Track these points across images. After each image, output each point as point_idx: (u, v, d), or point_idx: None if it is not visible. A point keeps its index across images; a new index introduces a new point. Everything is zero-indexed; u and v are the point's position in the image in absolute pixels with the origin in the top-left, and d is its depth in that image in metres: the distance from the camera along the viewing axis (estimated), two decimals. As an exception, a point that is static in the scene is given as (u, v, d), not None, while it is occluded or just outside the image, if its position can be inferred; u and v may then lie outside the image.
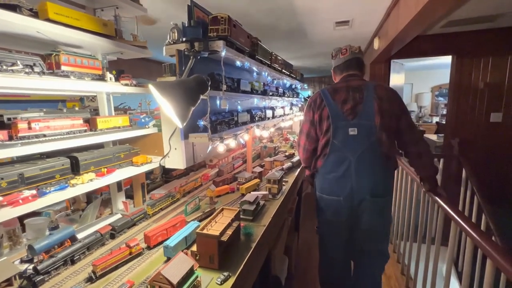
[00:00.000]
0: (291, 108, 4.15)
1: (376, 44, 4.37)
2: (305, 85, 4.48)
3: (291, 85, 4.08)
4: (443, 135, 6.80)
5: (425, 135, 7.09)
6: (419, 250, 2.50)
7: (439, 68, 8.34)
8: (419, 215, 2.43)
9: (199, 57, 1.55)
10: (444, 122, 8.37)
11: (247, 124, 2.27)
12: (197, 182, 2.19)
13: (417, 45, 4.75)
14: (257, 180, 2.16)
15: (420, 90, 9.01)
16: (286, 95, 3.65)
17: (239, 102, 2.07)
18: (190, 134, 1.64)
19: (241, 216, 1.63)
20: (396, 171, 2.84)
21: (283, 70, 3.13)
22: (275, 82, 3.11)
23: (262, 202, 1.83)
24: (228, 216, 1.39)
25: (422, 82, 8.89)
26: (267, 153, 3.09)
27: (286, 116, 3.74)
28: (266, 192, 1.96)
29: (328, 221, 1.79)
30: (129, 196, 1.97)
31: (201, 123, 1.61)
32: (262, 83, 2.65)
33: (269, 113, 2.89)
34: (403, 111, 1.66)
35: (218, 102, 1.83)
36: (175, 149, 1.65)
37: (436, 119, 8.71)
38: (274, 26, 3.74)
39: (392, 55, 4.82)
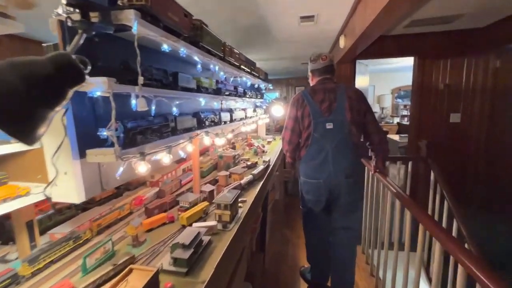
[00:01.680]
0: (254, 110, 3.66)
1: (342, 42, 4.03)
2: (270, 85, 4.02)
3: (253, 85, 3.58)
4: (406, 135, 6.79)
5: (388, 135, 7.02)
6: (387, 256, 2.25)
7: (399, 71, 8.40)
8: (389, 221, 2.30)
9: (94, 33, 0.98)
10: (405, 123, 8.49)
11: (192, 130, 1.72)
12: (123, 210, 1.58)
13: (381, 45, 4.53)
14: (204, 204, 1.62)
15: (381, 92, 9.04)
16: (247, 96, 3.14)
17: (177, 102, 1.51)
18: (89, 151, 1.06)
19: (171, 269, 1.08)
20: (366, 178, 2.83)
21: (242, 67, 2.62)
22: (231, 79, 2.58)
23: (206, 239, 1.30)
24: (136, 284, 0.83)
25: (383, 84, 8.92)
26: (224, 164, 2.55)
27: (249, 119, 3.23)
28: (214, 223, 1.42)
29: (312, 201, 2.10)
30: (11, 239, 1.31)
31: (104, 133, 1.03)
32: (214, 80, 2.11)
33: (225, 116, 2.35)
34: (368, 108, 2.00)
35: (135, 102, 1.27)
36: (65, 173, 1.05)
37: (397, 120, 8.78)
38: (231, 19, 3.22)
39: (357, 55, 4.55)
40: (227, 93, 2.39)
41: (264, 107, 4.22)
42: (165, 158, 1.35)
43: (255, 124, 3.36)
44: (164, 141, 1.39)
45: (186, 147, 1.59)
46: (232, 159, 2.56)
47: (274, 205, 4.38)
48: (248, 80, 2.88)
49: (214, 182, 2.16)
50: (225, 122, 2.33)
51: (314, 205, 2.10)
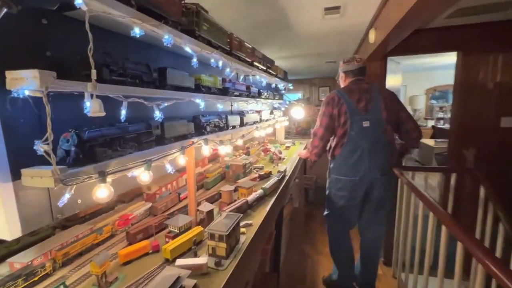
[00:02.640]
0: (271, 113, 3.30)
1: (371, 36, 3.54)
2: (290, 84, 3.63)
3: (270, 85, 3.23)
4: (442, 140, 6.05)
5: (422, 140, 6.31)
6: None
7: (434, 69, 7.60)
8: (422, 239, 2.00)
9: (20, 8, 0.69)
10: (441, 126, 7.65)
11: (187, 138, 1.40)
12: (102, 233, 1.30)
13: (418, 39, 3.96)
14: (197, 231, 1.29)
15: (414, 92, 8.25)
16: (263, 96, 2.79)
17: (165, 104, 1.20)
18: (24, 170, 0.77)
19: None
20: (397, 187, 2.50)
21: (256, 63, 2.27)
22: (241, 78, 2.24)
23: (189, 285, 0.97)
24: None
25: (416, 84, 8.13)
26: (233, 174, 2.22)
27: (264, 123, 2.88)
28: (204, 260, 1.09)
29: (346, 198, 2.04)
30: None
31: (37, 147, 0.74)
32: (219, 79, 1.79)
33: (234, 119, 2.02)
34: (401, 107, 2.06)
35: (123, 106, 0.97)
36: (-8, 200, 0.77)
37: (431, 123, 7.95)
38: (248, 13, 2.88)
39: (389, 52, 4.01)
40: (236, 93, 2.06)
41: (283, 108, 3.85)
42: (143, 175, 1.05)
43: (271, 127, 3.01)
44: (144, 153, 1.09)
45: (177, 159, 1.28)
46: (243, 168, 2.23)
47: (293, 215, 3.99)
48: (263, 79, 2.53)
49: (219, 196, 1.84)
50: (234, 127, 2.00)
51: (347, 203, 2.06)
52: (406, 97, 8.34)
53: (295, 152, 3.49)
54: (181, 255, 1.17)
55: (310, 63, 6.56)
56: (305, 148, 3.89)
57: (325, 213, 2.22)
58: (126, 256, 1.13)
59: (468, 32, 3.80)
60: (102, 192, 0.85)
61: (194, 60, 1.32)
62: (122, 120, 0.99)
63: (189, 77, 1.41)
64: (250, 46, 2.12)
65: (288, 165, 2.80)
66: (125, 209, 1.66)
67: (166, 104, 1.21)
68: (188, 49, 1.24)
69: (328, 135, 2.03)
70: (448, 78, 8.02)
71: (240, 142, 2.17)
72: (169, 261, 1.13)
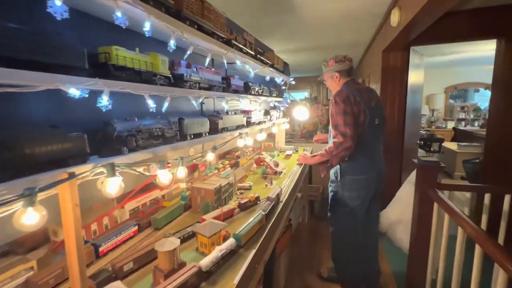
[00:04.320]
0: (267, 113, 2.55)
1: (394, 18, 2.73)
2: (291, 78, 2.87)
3: (264, 78, 2.47)
4: (466, 144, 5.17)
5: (443, 143, 5.43)
6: None
7: (455, 65, 6.67)
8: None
9: None
10: (462, 128, 6.70)
11: (63, 166, 0.68)
12: None
13: (448, 24, 3.13)
14: None
15: (431, 90, 7.31)
16: (252, 92, 2.05)
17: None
18: None
19: None
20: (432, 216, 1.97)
21: (235, 42, 1.53)
22: (206, 63, 1.48)
23: None
24: None
25: (434, 81, 7.17)
26: (201, 202, 1.49)
27: (255, 127, 2.14)
28: None
29: (362, 197, 1.97)
30: None
31: None
32: (166, 60, 1.06)
33: (196, 125, 1.29)
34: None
35: None
36: None
37: (451, 124, 7.02)
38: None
39: (413, 40, 3.19)
40: (201, 84, 1.32)
41: (283, 108, 3.09)
42: None
43: (265, 132, 2.26)
44: None
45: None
46: (214, 194, 1.49)
47: (296, 232, 3.24)
48: (252, 68, 1.78)
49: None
50: (195, 136, 1.27)
51: (363, 201, 1.98)
52: (423, 95, 7.41)
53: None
54: None
55: (318, 58, 5.73)
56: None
57: (334, 226, 2.13)
58: None
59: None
60: None
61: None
62: None
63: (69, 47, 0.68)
64: (224, 15, 1.37)
65: (286, 182, 2.06)
66: (8, 269, 0.95)
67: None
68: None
69: (356, 134, 1.86)
70: (471, 75, 7.09)
71: (210, 157, 1.44)
72: None
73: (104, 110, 0.77)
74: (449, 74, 7.16)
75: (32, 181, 0.62)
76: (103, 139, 0.87)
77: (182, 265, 0.99)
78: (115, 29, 1.00)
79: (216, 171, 2.19)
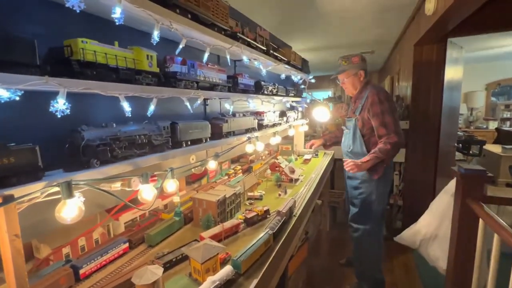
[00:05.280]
0: (283, 115, 2.33)
1: (430, 5, 2.38)
2: (310, 76, 2.62)
3: (279, 76, 2.26)
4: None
5: (484, 146, 4.81)
6: None
7: (498, 58, 5.93)
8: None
9: None
10: (507, 128, 5.94)
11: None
12: None
13: (492, 12, 2.69)
14: None
15: (470, 87, 6.58)
16: (265, 91, 1.84)
17: None
18: None
19: None
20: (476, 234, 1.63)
21: (242, 36, 1.33)
22: (205, 58, 1.29)
23: None
24: None
25: (473, 77, 6.44)
26: (203, 215, 1.31)
27: (267, 129, 1.93)
28: None
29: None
30: None
31: None
32: (154, 55, 0.90)
33: (193, 129, 1.11)
34: None
35: None
36: None
37: (493, 125, 6.25)
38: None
39: (451, 31, 2.79)
40: (200, 83, 1.14)
41: (301, 108, 2.84)
42: None
43: (279, 136, 2.05)
44: None
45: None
46: (217, 207, 1.31)
47: (315, 242, 2.97)
48: (259, 64, 1.58)
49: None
50: (187, 144, 1.09)
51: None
52: (461, 93, 6.70)
53: (317, 167, 2.48)
54: None
55: (340, 55, 5.39)
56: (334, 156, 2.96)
57: (367, 225, 2.03)
58: None
59: None
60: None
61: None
62: None
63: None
64: (228, 4, 1.18)
65: (302, 192, 1.83)
66: None
67: None
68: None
69: None
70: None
71: (212, 165, 1.26)
72: None
73: (59, 116, 0.62)
74: (491, 69, 6.39)
75: None
76: (70, 150, 0.72)
77: (164, 297, 0.81)
78: (94, 21, 0.86)
79: (226, 177, 2.01)
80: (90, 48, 0.72)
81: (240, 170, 2.18)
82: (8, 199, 0.53)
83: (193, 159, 1.26)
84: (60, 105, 0.62)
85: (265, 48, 1.66)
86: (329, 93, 7.92)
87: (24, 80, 0.56)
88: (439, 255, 2.39)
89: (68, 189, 0.62)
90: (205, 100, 1.44)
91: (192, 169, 1.19)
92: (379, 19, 3.15)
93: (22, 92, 0.55)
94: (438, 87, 2.99)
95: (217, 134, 1.33)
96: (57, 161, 0.73)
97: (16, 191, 0.56)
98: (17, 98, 0.54)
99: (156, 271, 0.81)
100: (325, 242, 3.14)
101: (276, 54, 1.86)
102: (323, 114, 2.72)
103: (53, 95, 0.65)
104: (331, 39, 4.06)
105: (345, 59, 1.98)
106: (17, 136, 0.66)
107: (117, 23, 0.70)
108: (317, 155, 2.91)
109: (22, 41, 0.59)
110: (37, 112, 0.72)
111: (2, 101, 0.51)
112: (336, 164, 3.38)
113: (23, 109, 0.70)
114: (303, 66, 2.62)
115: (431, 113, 2.99)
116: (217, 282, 0.87)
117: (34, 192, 0.59)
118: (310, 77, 2.69)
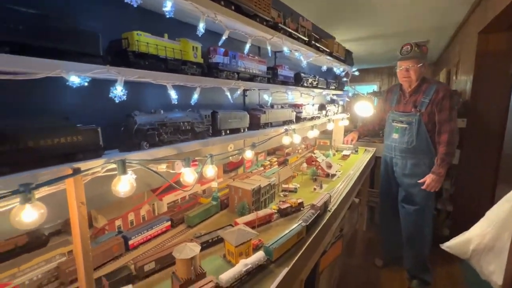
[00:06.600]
0: (322, 108, 2.27)
1: (502, -14, 2.08)
2: (354, 69, 2.50)
3: (320, 68, 2.20)
4: None
5: None
6: None
7: None
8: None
9: None
10: None
11: (71, 160, 0.63)
12: None
13: None
14: None
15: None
16: (305, 83, 1.82)
17: None
18: None
19: None
20: None
21: (282, 26, 1.33)
22: (247, 49, 1.30)
23: None
24: None
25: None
26: (238, 202, 1.37)
27: (305, 122, 1.91)
28: None
29: None
30: None
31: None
32: (199, 46, 0.95)
33: (232, 119, 1.16)
34: None
35: None
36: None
37: None
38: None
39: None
40: (241, 74, 1.17)
41: (342, 102, 2.73)
42: None
43: (317, 129, 2.00)
44: None
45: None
46: (252, 195, 1.35)
47: (350, 241, 2.88)
48: (300, 55, 1.56)
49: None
50: (229, 131, 1.14)
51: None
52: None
53: (356, 164, 2.39)
54: None
55: (391, 46, 4.97)
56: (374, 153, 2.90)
57: (421, 212, 1.99)
58: None
59: None
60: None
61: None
62: None
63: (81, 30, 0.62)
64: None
65: (338, 188, 1.78)
66: (60, 247, 1.01)
67: None
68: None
69: None
70: None
71: (249, 154, 1.30)
72: None
73: (117, 101, 0.70)
74: None
75: (32, 176, 0.57)
76: (124, 132, 0.81)
77: (201, 275, 0.87)
78: (147, 15, 0.93)
79: (262, 168, 2.05)
80: (144, 40, 0.79)
81: (276, 162, 2.20)
82: (77, 171, 0.63)
83: (231, 148, 1.30)
84: (118, 91, 0.70)
85: (306, 39, 1.62)
86: (374, 87, 7.45)
87: (90, 68, 0.64)
88: (494, 269, 2.13)
89: (123, 167, 0.70)
90: (244, 91, 1.47)
91: (230, 157, 1.24)
92: (437, 4, 2.84)
93: (90, 79, 0.63)
94: (505, 81, 2.62)
95: (255, 124, 1.36)
96: (113, 142, 0.82)
97: (82, 165, 0.66)
98: (86, 84, 0.62)
99: (194, 248, 0.87)
100: (361, 242, 3.02)
101: (318, 45, 1.81)
102: (366, 108, 2.58)
103: (111, 83, 0.73)
104: (379, 28, 3.78)
105: (417, 46, 1.84)
106: (83, 118, 0.75)
107: (167, 16, 0.75)
108: (357, 151, 2.79)
109: (89, 35, 0.67)
110: (97, 98, 0.82)
111: (74, 86, 0.60)
112: (377, 162, 3.20)
113: (88, 95, 0.80)
114: (346, 57, 2.50)
115: (494, 111, 2.64)
116: (249, 266, 0.91)
117: (96, 167, 0.68)
118: (354, 69, 2.56)
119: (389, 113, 2.09)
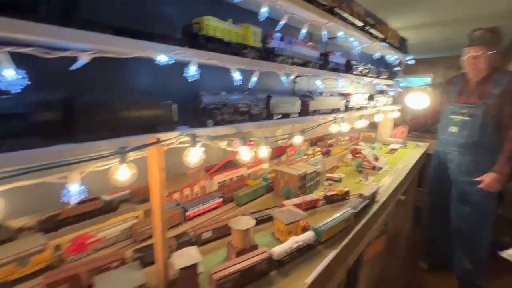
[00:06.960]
0: (371, 98, 2.18)
1: None
2: (410, 57, 2.34)
3: (371, 55, 2.10)
4: None
5: None
6: None
7: None
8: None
9: None
10: None
11: (151, 131, 0.73)
12: (24, 265, 0.83)
13: None
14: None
15: None
16: (355, 71, 1.77)
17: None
18: None
19: None
20: None
21: (338, 11, 1.30)
22: (302, 34, 1.30)
23: None
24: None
25: None
26: (284, 187, 1.41)
27: (353, 112, 1.86)
28: None
29: None
30: None
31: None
32: (259, 31, 0.99)
33: (285, 103, 1.19)
34: None
35: None
36: None
37: None
38: None
39: None
40: (292, 60, 1.19)
41: (393, 93, 2.57)
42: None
43: (366, 120, 1.93)
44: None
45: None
46: (298, 181, 1.38)
47: (393, 239, 2.76)
48: (354, 40, 1.51)
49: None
50: (283, 116, 1.17)
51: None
52: None
53: (404, 159, 2.26)
54: None
55: (447, 35, 4.46)
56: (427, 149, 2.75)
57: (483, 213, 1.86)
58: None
59: None
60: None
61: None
62: None
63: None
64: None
65: (386, 181, 1.72)
66: (130, 212, 1.17)
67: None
68: None
69: None
70: None
71: (298, 139, 1.32)
72: None
73: (190, 80, 0.77)
74: None
75: (125, 142, 0.67)
76: (193, 110, 0.89)
77: (254, 247, 0.94)
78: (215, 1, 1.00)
79: (305, 157, 2.05)
80: (213, 25, 0.86)
81: (319, 152, 2.18)
82: (159, 140, 0.72)
83: (280, 132, 1.34)
84: (192, 71, 0.77)
85: (362, 24, 1.57)
86: (427, 79, 6.83)
87: (171, 50, 0.72)
88: None
89: (194, 140, 0.78)
90: (294, 77, 1.48)
91: (279, 142, 1.27)
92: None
93: (174, 59, 0.71)
94: None
95: (303, 111, 1.38)
96: (183, 118, 0.91)
97: (161, 136, 0.75)
98: (172, 62, 0.70)
99: (249, 222, 0.94)
100: (404, 242, 2.87)
101: (372, 30, 1.73)
102: (420, 101, 2.41)
103: (181, 65, 0.81)
104: (440, 14, 3.42)
105: (491, 31, 1.68)
106: (160, 95, 0.85)
107: (234, 1, 0.80)
108: (405, 145, 2.63)
109: (169, 19, 0.75)
110: (168, 79, 0.91)
111: (161, 64, 0.69)
112: (427, 160, 2.98)
113: (161, 75, 0.90)
114: (401, 45, 2.35)
115: None
116: (300, 243, 0.95)
117: (171, 138, 0.77)
118: (410, 58, 2.39)
119: (447, 105, 1.93)
